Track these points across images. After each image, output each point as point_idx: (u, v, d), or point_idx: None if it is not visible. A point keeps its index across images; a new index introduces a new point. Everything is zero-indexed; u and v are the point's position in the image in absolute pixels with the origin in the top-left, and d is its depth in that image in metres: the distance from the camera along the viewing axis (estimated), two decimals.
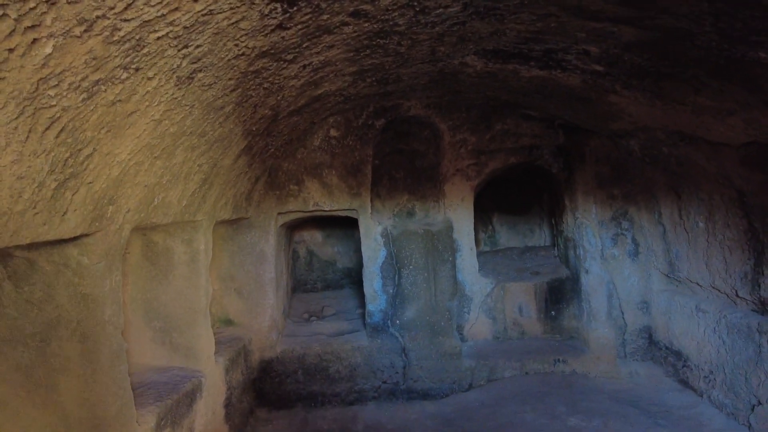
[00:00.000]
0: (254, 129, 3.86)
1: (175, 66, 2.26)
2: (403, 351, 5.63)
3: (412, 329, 5.67)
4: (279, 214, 5.68)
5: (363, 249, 5.80)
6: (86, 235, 2.54)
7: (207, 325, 4.21)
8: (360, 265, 6.04)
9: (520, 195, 7.89)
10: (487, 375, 5.53)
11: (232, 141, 3.61)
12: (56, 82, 1.72)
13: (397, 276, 5.72)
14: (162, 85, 2.31)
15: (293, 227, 7.63)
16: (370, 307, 5.78)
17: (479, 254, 6.52)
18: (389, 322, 5.73)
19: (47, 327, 2.74)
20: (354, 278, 8.47)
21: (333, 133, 5.58)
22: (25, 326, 2.75)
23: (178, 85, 2.43)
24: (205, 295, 4.16)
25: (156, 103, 2.38)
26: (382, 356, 5.62)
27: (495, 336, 6.10)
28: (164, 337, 4.12)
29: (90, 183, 2.29)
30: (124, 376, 2.91)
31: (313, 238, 8.86)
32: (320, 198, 5.65)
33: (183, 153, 3.01)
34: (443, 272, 5.72)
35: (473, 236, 6.07)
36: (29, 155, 1.84)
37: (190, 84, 2.51)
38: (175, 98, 2.50)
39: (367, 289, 5.79)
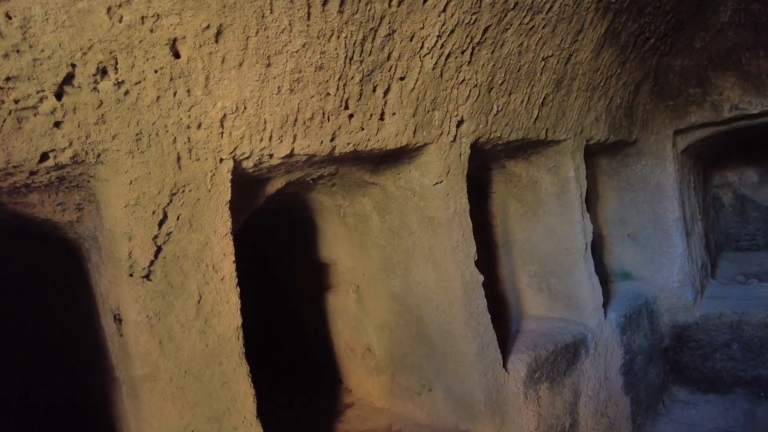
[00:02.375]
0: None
1: None
2: None
3: None
4: (676, 133, 4.24)
5: None
6: (417, 150, 2.30)
7: (588, 270, 3.43)
8: None
9: None
10: None
11: (584, 19, 2.72)
12: None
13: None
14: None
15: (706, 163, 5.74)
16: None
17: None
18: None
19: (407, 255, 2.69)
20: None
21: None
22: (392, 255, 2.79)
23: None
24: (582, 233, 3.39)
25: None
26: None
27: None
28: (540, 282, 3.62)
29: (402, 79, 2.00)
30: (482, 311, 2.55)
31: (743, 177, 6.48)
32: (740, 96, 3.85)
33: (515, 38, 2.39)
34: None
35: None
36: (317, 37, 1.65)
37: None
38: None
39: None
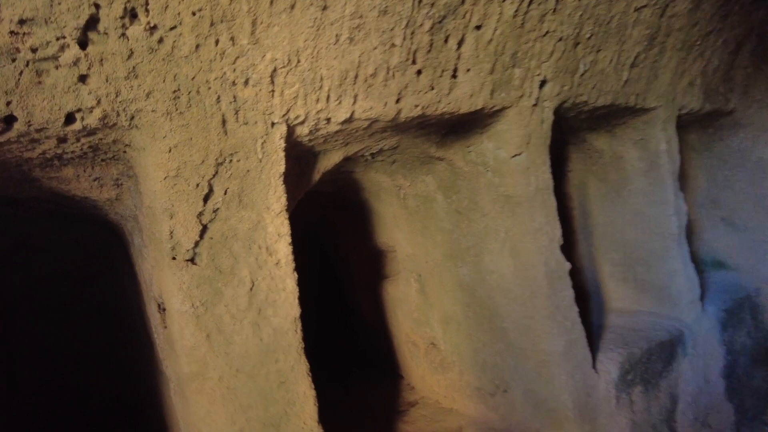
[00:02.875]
0: None
1: None
2: None
3: None
4: None
5: None
6: (493, 116, 1.98)
7: (683, 257, 2.99)
8: None
9: None
10: None
11: None
12: None
13: None
14: None
15: None
16: None
17: None
18: None
19: (478, 239, 2.38)
20: None
21: None
22: (460, 240, 2.49)
23: None
24: (676, 214, 2.95)
25: None
26: None
27: None
28: (625, 272, 3.21)
29: (478, 28, 1.69)
30: (569, 304, 2.21)
31: None
32: None
33: None
34: None
35: None
36: None
37: None
38: None
39: None
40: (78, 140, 1.22)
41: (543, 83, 2.04)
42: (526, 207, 2.11)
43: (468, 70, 1.72)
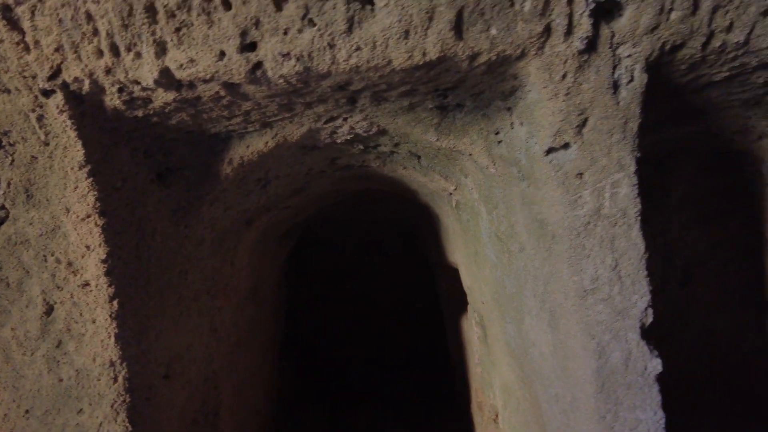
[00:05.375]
0: None
1: None
2: None
3: None
4: None
5: None
6: (512, 72, 1.10)
7: None
8: None
9: None
10: None
11: None
12: None
13: None
14: None
15: None
16: None
17: None
18: None
19: (519, 286, 1.47)
20: None
21: None
22: (504, 280, 1.60)
23: None
24: None
25: None
26: None
27: None
28: None
29: None
30: None
31: None
32: None
33: None
34: None
35: None
36: None
37: None
38: None
39: None
40: None
41: (606, 7, 1.04)
42: (567, 245, 1.15)
43: None
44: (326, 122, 1.34)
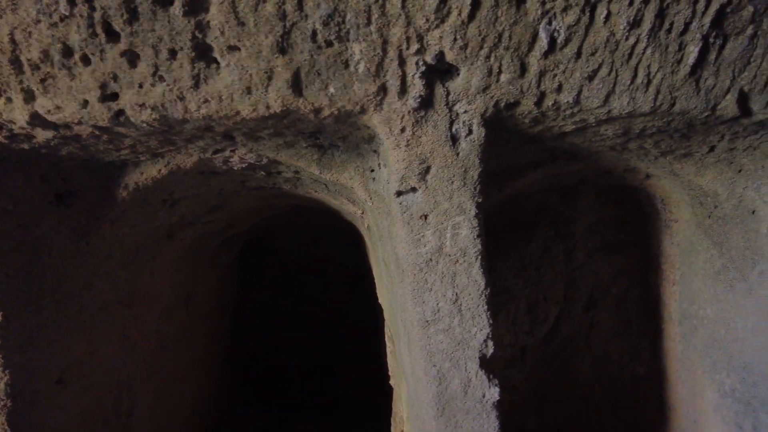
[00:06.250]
0: None
1: None
2: None
3: None
4: None
5: None
6: (363, 120, 1.22)
7: None
8: None
9: None
10: None
11: None
12: None
13: None
14: None
15: None
16: None
17: None
18: None
19: (401, 308, 1.59)
20: None
21: None
22: (395, 307, 1.72)
23: None
24: None
25: None
26: None
27: None
28: (741, 414, 1.80)
29: None
30: None
31: None
32: None
33: None
34: None
35: None
36: None
37: None
38: None
39: None
40: None
41: (440, 68, 1.16)
42: (411, 279, 1.27)
43: (231, 48, 1.05)
44: (214, 153, 1.46)
